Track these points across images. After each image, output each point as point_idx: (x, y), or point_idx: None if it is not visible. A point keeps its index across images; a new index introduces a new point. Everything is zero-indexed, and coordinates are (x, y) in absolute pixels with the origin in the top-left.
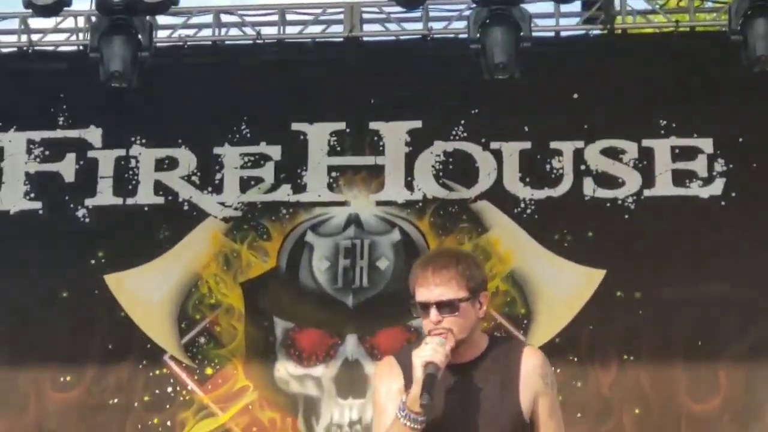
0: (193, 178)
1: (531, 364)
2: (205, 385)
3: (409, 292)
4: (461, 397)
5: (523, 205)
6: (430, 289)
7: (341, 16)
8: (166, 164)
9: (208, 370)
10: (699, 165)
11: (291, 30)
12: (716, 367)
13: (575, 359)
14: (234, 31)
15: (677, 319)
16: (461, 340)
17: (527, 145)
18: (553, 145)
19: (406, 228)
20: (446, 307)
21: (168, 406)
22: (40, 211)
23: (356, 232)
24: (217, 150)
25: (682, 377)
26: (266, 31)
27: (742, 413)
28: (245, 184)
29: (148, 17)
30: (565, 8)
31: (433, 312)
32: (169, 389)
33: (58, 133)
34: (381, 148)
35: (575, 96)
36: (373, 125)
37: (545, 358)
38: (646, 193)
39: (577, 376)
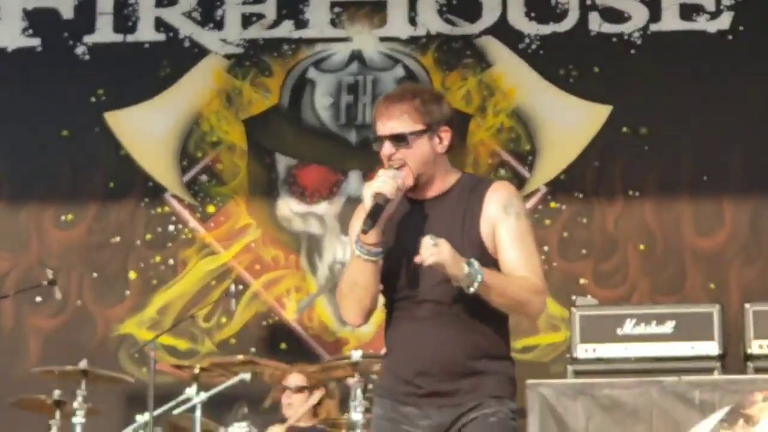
0: (194, 14)
1: (492, 197)
2: (207, 223)
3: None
4: (423, 231)
5: (528, 40)
6: (383, 122)
7: None
8: (166, 0)
9: (210, 208)
10: None
11: None
12: (721, 201)
13: (581, 195)
14: None
15: (683, 154)
16: (420, 174)
17: None
18: None
19: (410, 64)
20: (398, 140)
21: (170, 245)
22: (39, 49)
23: (359, 68)
24: None
25: (688, 212)
26: None
27: (747, 247)
28: (247, 21)
29: None
30: None
31: (386, 145)
32: (171, 227)
33: None
34: None
35: None
36: None
37: (512, 190)
38: (653, 27)
39: (583, 212)
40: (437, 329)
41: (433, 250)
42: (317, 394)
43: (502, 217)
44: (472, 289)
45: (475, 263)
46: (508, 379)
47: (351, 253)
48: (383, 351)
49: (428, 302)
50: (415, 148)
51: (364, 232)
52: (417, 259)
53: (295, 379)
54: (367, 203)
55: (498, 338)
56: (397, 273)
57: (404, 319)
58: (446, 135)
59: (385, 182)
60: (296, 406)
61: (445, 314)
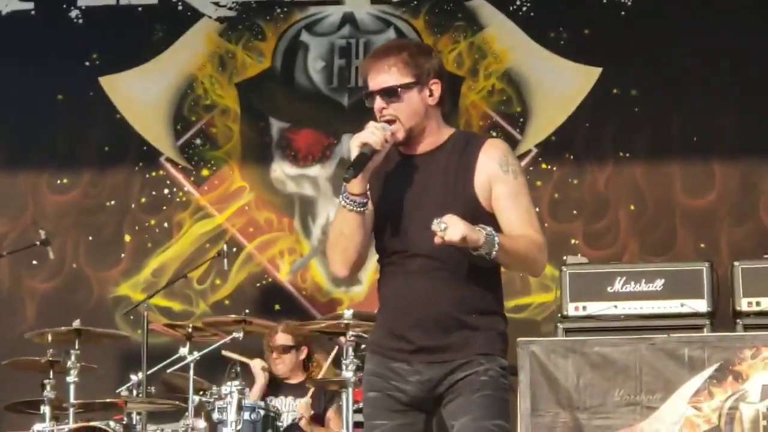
0: None
1: (488, 153)
2: (201, 186)
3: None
4: (415, 185)
5: (519, 2)
6: (373, 77)
7: None
8: None
9: (205, 172)
10: None
11: None
12: (711, 162)
13: (571, 157)
14: None
15: (673, 115)
16: (412, 127)
17: None
18: None
19: (402, 26)
20: (388, 94)
21: (165, 208)
22: (33, 12)
23: (351, 31)
24: None
25: (678, 173)
26: None
27: (737, 208)
28: None
29: None
30: None
31: (377, 100)
32: (166, 191)
33: None
34: None
35: None
36: None
37: (506, 148)
38: None
39: (573, 173)
40: (428, 283)
41: (451, 227)
42: (304, 351)
43: (498, 175)
44: (494, 254)
45: (486, 227)
46: (498, 335)
47: (338, 204)
48: (377, 309)
49: (420, 256)
50: (406, 101)
51: (346, 180)
52: (437, 240)
53: (281, 338)
54: (353, 152)
55: (489, 293)
56: (390, 227)
57: (396, 274)
58: (436, 87)
59: (373, 133)
60: (287, 363)
61: (436, 268)
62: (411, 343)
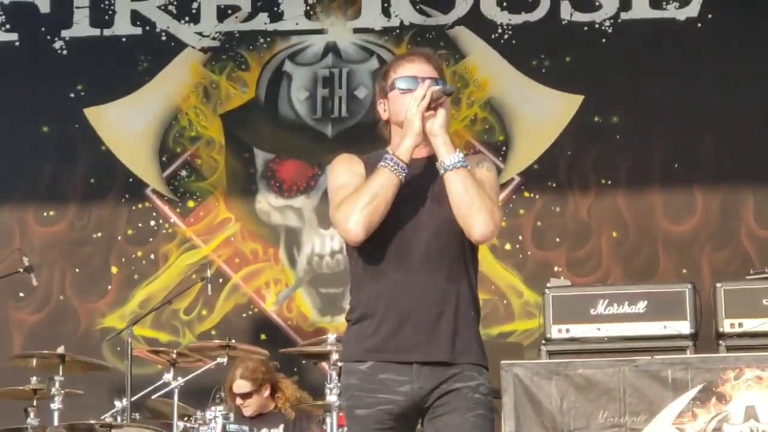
0: (170, 7)
1: (475, 160)
2: (187, 217)
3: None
4: (410, 186)
5: (500, 30)
6: (421, 65)
7: None
8: None
9: (190, 203)
10: None
11: None
12: (692, 188)
13: (554, 185)
14: None
15: (654, 142)
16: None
17: None
18: None
19: (384, 55)
20: (436, 83)
21: (151, 240)
22: (17, 43)
23: (334, 60)
24: None
25: (659, 199)
26: None
27: (718, 233)
28: (222, 13)
29: None
30: None
31: (429, 83)
32: (152, 222)
33: None
34: None
35: None
36: None
37: (494, 168)
38: (623, 16)
39: (556, 201)
40: (427, 275)
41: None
42: (267, 388)
43: (475, 169)
44: (450, 168)
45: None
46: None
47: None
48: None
49: (419, 251)
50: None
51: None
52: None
53: (240, 386)
54: (416, 123)
55: (476, 295)
56: (392, 223)
57: (391, 270)
58: None
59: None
60: (253, 405)
61: (434, 262)
62: (407, 336)
